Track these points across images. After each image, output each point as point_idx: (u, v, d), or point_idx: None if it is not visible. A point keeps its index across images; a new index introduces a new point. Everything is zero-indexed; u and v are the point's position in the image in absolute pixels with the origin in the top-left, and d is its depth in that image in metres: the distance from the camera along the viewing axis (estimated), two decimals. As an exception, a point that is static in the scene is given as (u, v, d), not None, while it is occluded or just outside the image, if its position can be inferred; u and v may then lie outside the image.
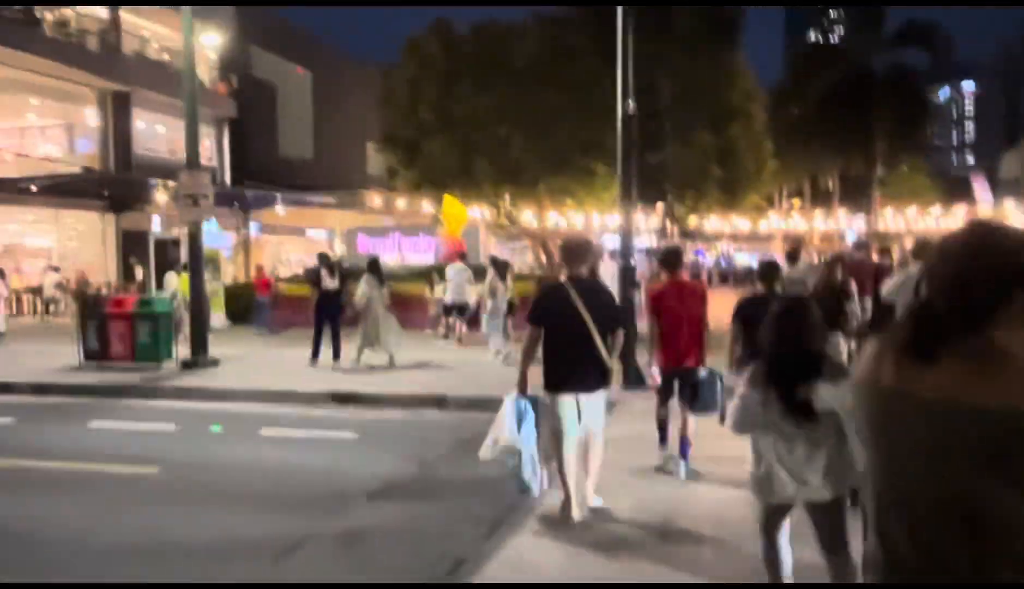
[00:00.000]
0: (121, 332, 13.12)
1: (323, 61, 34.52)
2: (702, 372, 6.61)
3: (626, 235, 10.80)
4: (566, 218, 32.01)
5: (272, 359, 14.43)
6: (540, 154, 24.70)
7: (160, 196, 24.24)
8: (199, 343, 13.31)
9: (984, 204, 46.76)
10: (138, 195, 25.08)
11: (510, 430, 5.57)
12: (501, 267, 14.49)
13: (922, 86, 27.50)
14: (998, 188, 63.57)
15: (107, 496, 6.82)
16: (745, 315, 6.13)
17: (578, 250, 5.81)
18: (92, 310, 13.54)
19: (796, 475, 3.60)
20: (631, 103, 10.65)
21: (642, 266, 15.34)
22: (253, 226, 30.31)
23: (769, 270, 6.76)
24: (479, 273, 18.71)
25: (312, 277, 14.09)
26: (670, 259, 7.04)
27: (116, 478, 7.35)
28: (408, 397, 10.76)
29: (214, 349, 14.51)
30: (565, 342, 5.46)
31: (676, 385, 6.78)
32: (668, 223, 25.06)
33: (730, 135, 23.78)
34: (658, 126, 10.60)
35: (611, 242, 37.61)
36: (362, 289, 12.90)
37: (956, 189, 56.89)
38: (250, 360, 14.30)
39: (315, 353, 13.07)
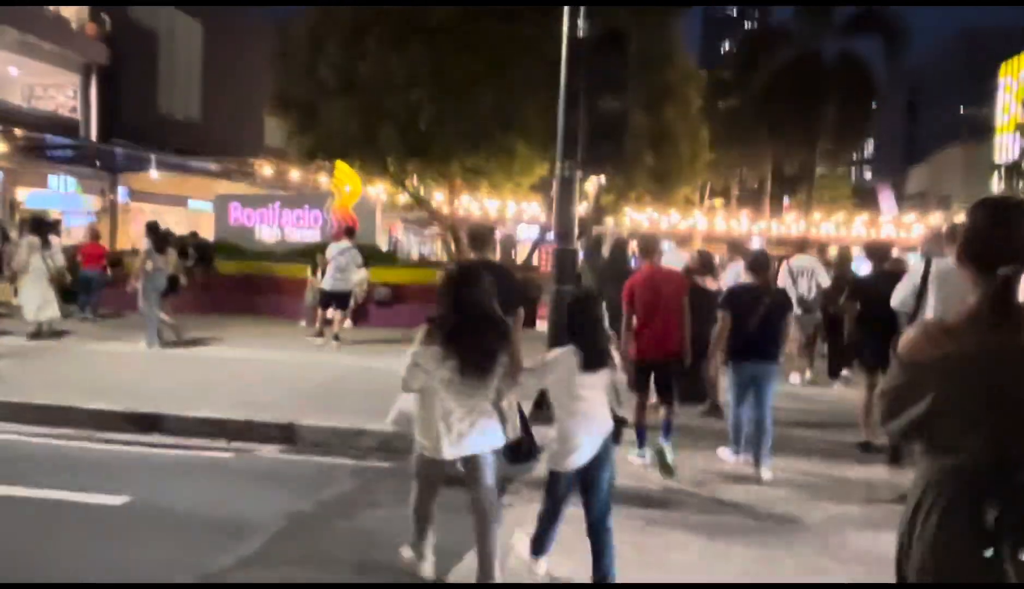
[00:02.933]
0: None
1: (217, 11, 29.99)
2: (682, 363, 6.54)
3: (566, 210, 7.56)
4: (479, 203, 28.61)
5: (83, 353, 10.66)
6: (454, 126, 21.16)
7: (-4, 146, 19.82)
8: (-34, 330, 9.46)
9: (889, 215, 45.86)
10: (-28, 145, 20.52)
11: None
12: (160, 237, 11.78)
13: (873, 77, 25.16)
14: (903, 201, 63.57)
15: None
16: (734, 305, 6.32)
17: (483, 236, 6.04)
18: None
19: (461, 431, 3.69)
20: (581, 23, 7.38)
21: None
22: (122, 191, 25.88)
23: (762, 260, 6.69)
24: (377, 258, 15.27)
25: None
26: (648, 246, 6.88)
27: None
28: (241, 425, 7.27)
29: (10, 337, 10.85)
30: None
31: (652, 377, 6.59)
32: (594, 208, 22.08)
33: (666, 118, 20.84)
34: (616, 61, 7.31)
35: (527, 232, 34.52)
36: (22, 252, 11.45)
37: (861, 200, 56.19)
38: (49, 355, 10.46)
39: None
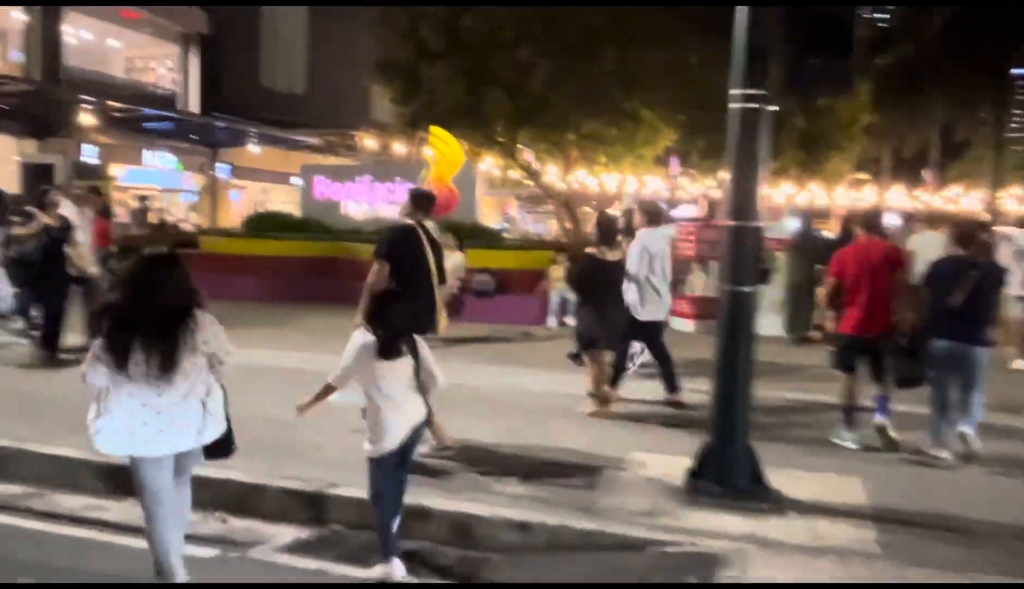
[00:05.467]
0: None
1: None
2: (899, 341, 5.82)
3: (747, 167, 4.65)
4: (596, 177, 25.50)
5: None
6: (569, 89, 18.28)
7: (85, 118, 18.25)
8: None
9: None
10: (66, 118, 19.09)
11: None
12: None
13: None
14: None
15: None
16: (935, 278, 5.78)
17: (426, 197, 5.89)
18: None
19: (159, 427, 3.39)
20: None
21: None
22: (223, 168, 24.28)
23: (968, 230, 6.05)
24: (476, 237, 12.60)
25: None
26: (871, 219, 6.34)
27: None
28: (245, 490, 4.76)
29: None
30: (409, 284, 5.31)
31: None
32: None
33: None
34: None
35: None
36: None
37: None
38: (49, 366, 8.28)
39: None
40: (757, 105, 4.63)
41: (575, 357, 7.00)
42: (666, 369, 7.02)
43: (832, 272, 6.10)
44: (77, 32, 21.68)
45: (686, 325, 10.73)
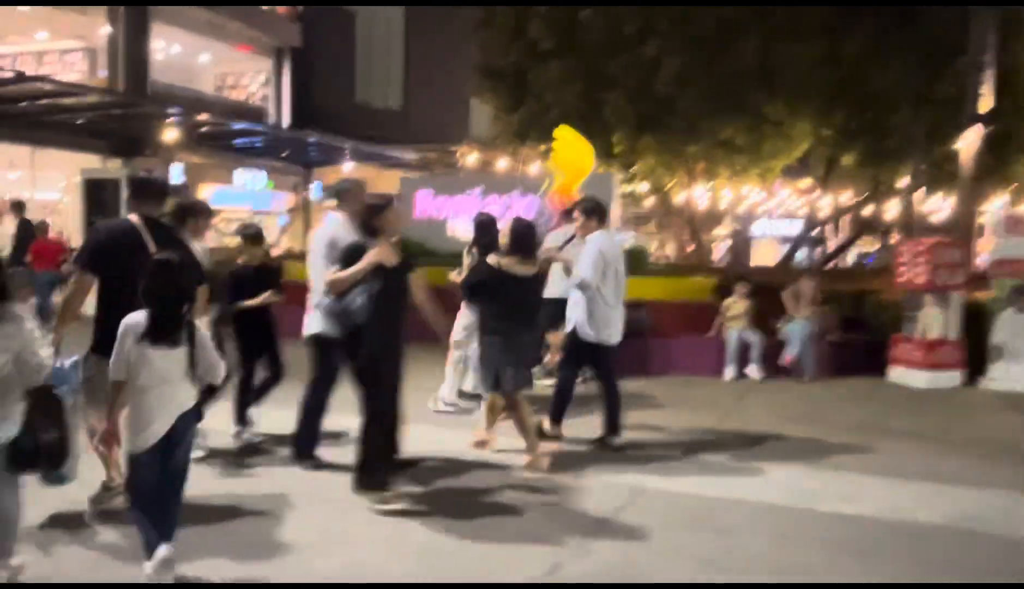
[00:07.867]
0: None
1: (423, -10, 26.19)
2: None
3: None
4: (714, 191, 22.49)
5: None
6: (701, 89, 15.63)
7: (171, 135, 16.54)
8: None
9: None
10: (152, 136, 17.48)
11: None
12: None
13: None
14: None
15: None
16: None
17: (148, 184, 4.48)
18: None
19: None
20: None
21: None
22: (315, 187, 22.43)
23: None
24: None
25: None
26: None
27: None
28: None
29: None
30: (130, 293, 3.68)
31: None
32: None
33: (1014, 53, 14.14)
34: None
35: (765, 228, 27.99)
36: None
37: None
38: None
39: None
40: None
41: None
42: (611, 402, 5.95)
43: None
44: (167, 46, 20.23)
45: (915, 377, 7.89)
